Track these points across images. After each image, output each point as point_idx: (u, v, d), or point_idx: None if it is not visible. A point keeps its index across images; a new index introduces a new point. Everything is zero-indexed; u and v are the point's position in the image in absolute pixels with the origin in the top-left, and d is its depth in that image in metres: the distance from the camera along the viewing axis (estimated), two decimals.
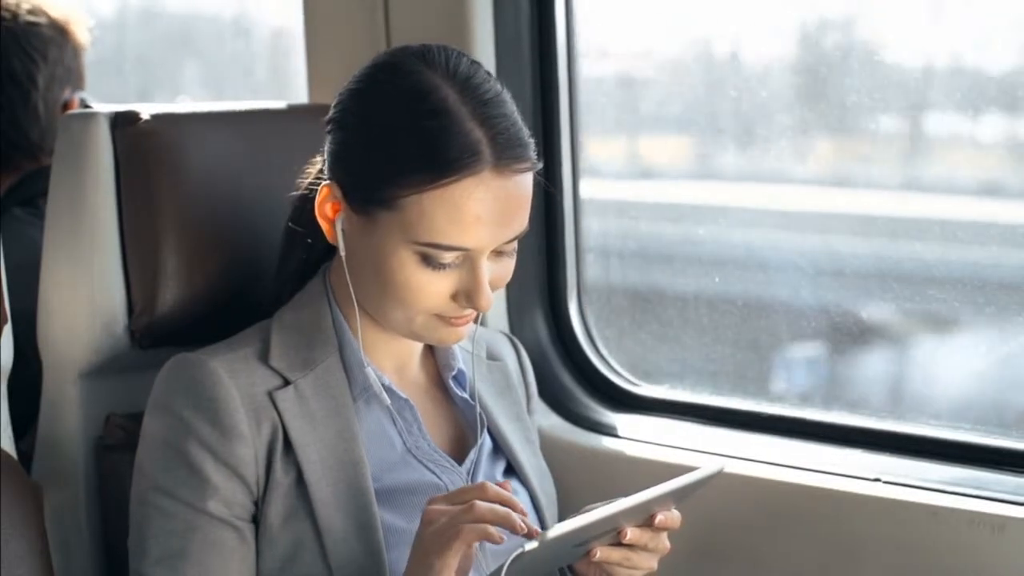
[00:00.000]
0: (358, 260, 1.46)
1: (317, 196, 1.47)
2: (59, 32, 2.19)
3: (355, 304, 1.48)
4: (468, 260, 1.41)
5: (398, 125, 1.40)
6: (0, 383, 1.59)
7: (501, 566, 1.28)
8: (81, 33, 2.23)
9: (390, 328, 1.49)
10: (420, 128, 1.38)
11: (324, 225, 1.48)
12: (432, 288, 1.41)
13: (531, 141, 1.43)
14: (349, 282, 1.47)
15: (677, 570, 1.52)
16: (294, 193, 1.56)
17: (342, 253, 1.46)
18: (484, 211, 1.38)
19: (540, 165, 1.45)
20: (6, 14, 2.15)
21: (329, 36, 2.07)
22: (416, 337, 1.49)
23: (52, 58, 2.17)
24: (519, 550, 1.28)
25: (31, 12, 2.18)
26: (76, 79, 2.22)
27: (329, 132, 1.48)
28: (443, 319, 1.45)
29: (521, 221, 1.42)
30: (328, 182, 1.46)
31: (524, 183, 1.42)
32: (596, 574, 1.44)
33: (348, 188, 1.44)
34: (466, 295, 1.42)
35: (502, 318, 2.03)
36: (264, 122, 1.77)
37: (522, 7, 2.00)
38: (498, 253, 1.43)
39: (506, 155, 1.39)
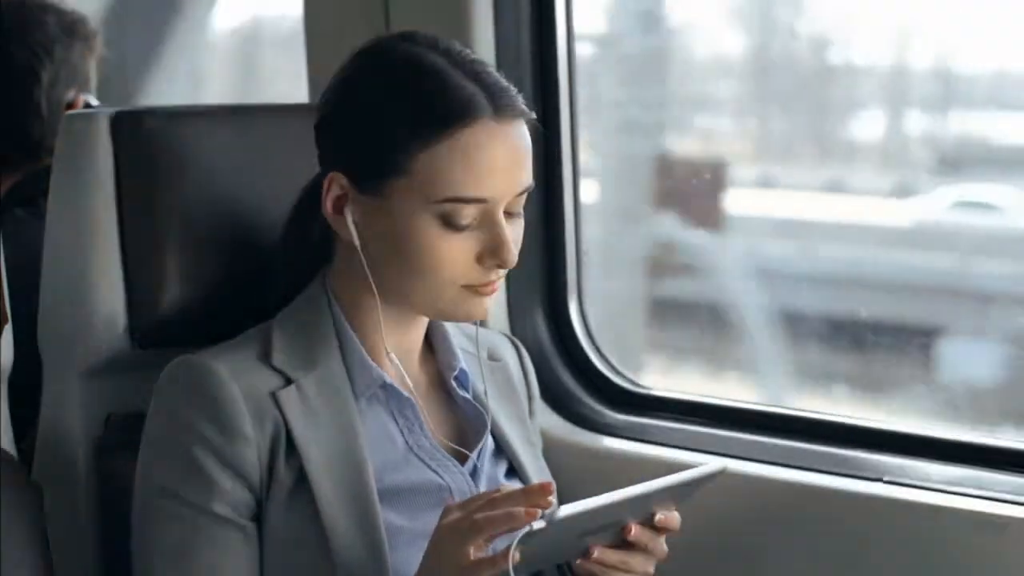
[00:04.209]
0: (375, 246, 1.46)
1: (322, 192, 1.47)
2: (66, 32, 2.18)
3: (375, 294, 1.47)
4: (486, 217, 1.43)
5: (395, 92, 1.42)
6: (0, 383, 1.59)
7: (510, 544, 1.28)
8: (90, 35, 2.22)
9: (416, 310, 1.50)
10: (417, 88, 1.42)
11: (333, 220, 1.48)
12: (456, 252, 1.42)
13: (519, 94, 1.47)
14: (368, 273, 1.47)
15: (678, 570, 1.52)
16: (292, 201, 1.56)
17: (356, 243, 1.46)
18: (493, 158, 1.41)
19: (534, 114, 1.48)
20: (13, 12, 2.14)
21: (329, 36, 2.07)
22: (443, 315, 1.50)
23: (58, 56, 2.16)
24: (527, 528, 1.28)
25: (39, 9, 2.17)
26: (83, 80, 2.21)
27: (324, 130, 1.49)
28: (470, 290, 1.45)
29: (528, 171, 1.45)
30: (333, 173, 1.47)
31: (524, 132, 1.45)
32: None
33: (355, 170, 1.45)
34: (491, 252, 1.43)
35: (502, 318, 2.03)
36: (264, 122, 1.77)
37: (522, 7, 2.00)
38: (508, 214, 1.45)
39: (502, 103, 1.43)
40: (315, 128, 1.50)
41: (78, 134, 1.63)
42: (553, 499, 1.33)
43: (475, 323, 1.59)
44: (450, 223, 1.42)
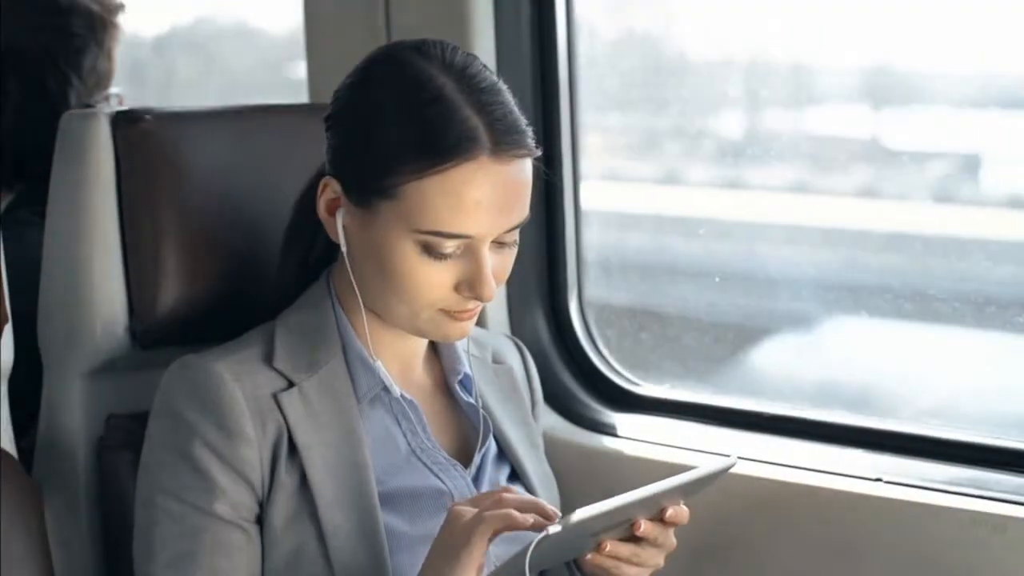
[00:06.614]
0: (360, 255, 1.46)
1: (318, 193, 1.47)
2: (96, 34, 2.06)
3: (360, 302, 1.48)
4: (470, 249, 1.41)
5: (395, 113, 1.40)
6: (0, 383, 1.59)
7: (525, 548, 1.28)
8: (119, 20, 2.09)
9: (395, 324, 1.49)
10: (417, 115, 1.38)
11: (325, 221, 1.48)
12: (435, 279, 1.41)
13: (528, 128, 1.43)
14: (352, 279, 1.47)
15: (679, 568, 1.52)
16: (297, 195, 1.56)
17: (343, 249, 1.46)
18: (484, 197, 1.38)
19: (539, 152, 1.44)
20: (45, 21, 2.06)
21: (330, 36, 2.07)
22: (421, 333, 1.49)
23: (86, 69, 2.05)
24: (543, 533, 1.28)
25: (68, 11, 2.05)
26: (105, 79, 2.12)
27: (328, 129, 1.48)
28: (448, 314, 1.44)
29: (521, 209, 1.43)
30: (328, 177, 1.46)
31: (523, 170, 1.42)
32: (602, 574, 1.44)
33: (348, 181, 1.44)
34: (469, 285, 1.41)
35: (503, 318, 2.03)
36: (264, 122, 1.77)
37: (523, 7, 2.00)
38: (499, 244, 1.43)
39: (504, 141, 1.39)
40: (324, 122, 1.50)
41: (78, 134, 1.63)
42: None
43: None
44: (431, 251, 1.40)
